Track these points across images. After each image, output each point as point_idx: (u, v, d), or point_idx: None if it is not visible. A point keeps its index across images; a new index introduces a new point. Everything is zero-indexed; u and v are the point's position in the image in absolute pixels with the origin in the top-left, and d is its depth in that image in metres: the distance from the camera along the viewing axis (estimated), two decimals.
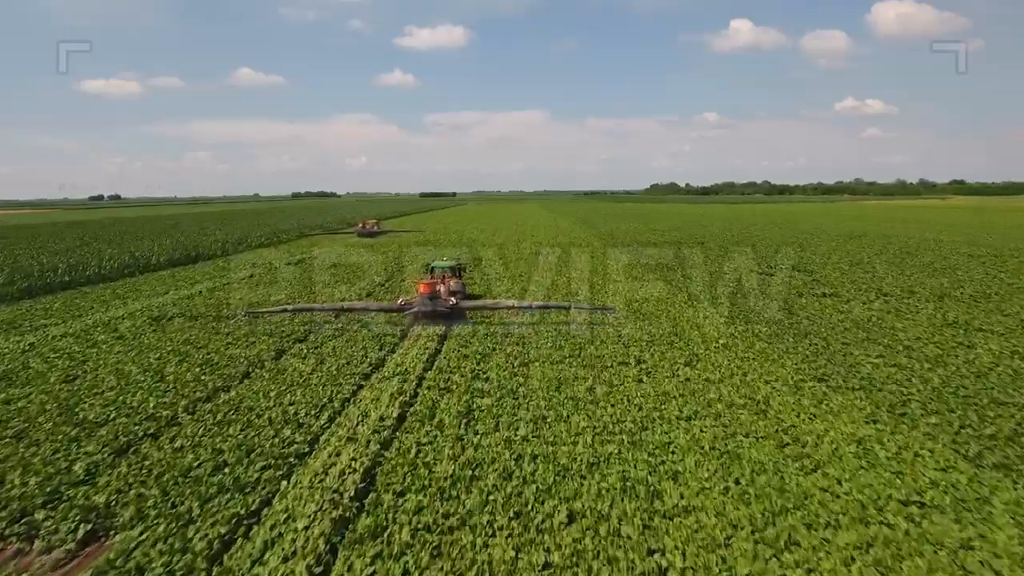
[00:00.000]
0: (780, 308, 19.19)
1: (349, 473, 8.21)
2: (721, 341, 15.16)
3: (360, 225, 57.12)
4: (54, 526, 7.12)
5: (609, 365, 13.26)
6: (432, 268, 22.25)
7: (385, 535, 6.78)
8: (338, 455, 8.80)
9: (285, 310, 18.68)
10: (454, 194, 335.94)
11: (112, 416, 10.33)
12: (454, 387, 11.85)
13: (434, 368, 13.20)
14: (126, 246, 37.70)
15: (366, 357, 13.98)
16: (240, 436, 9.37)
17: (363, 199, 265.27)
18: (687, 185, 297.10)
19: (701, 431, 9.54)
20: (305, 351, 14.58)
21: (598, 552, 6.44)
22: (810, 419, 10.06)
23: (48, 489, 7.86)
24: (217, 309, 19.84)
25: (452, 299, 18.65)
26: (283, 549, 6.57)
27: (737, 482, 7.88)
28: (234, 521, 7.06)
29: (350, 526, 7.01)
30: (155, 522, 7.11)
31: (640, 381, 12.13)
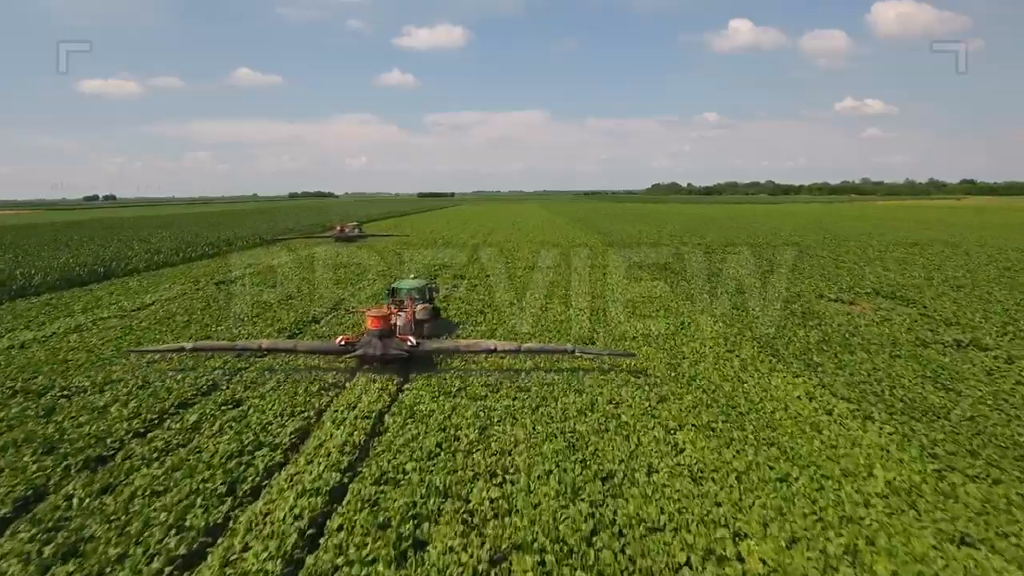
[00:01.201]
0: (915, 374, 12.18)
1: None
2: (879, 475, 8.03)
3: (337, 228, 50.31)
4: None
5: (676, 552, 6.29)
6: (394, 290, 15.88)
7: None
8: None
9: (182, 349, 13.11)
10: (452, 194, 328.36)
11: None
12: None
13: (315, 556, 6.20)
14: (21, 259, 30.54)
15: (199, 512, 6.98)
16: None
17: (361, 199, 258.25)
18: (689, 185, 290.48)
19: None
20: (82, 495, 7.57)
21: None
22: None
23: None
24: (35, 372, 12.80)
25: (411, 339, 12.74)
26: None
27: None
28: None
29: None
30: None
31: None
